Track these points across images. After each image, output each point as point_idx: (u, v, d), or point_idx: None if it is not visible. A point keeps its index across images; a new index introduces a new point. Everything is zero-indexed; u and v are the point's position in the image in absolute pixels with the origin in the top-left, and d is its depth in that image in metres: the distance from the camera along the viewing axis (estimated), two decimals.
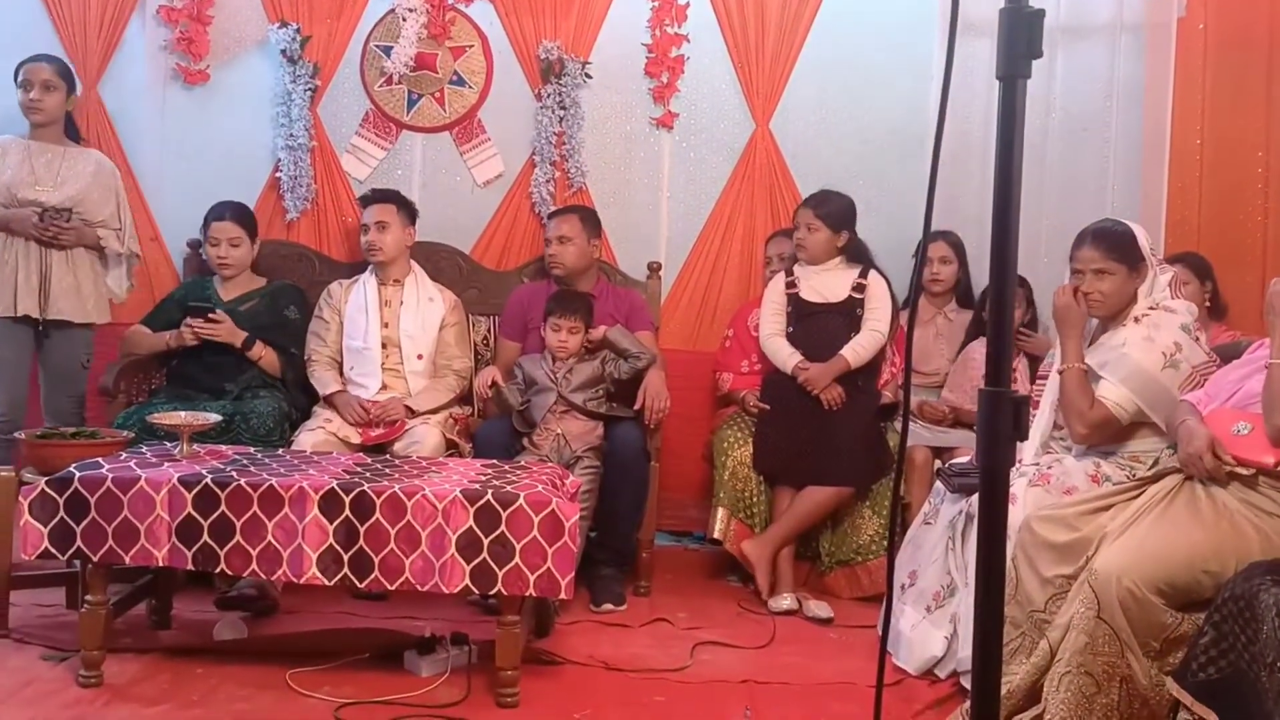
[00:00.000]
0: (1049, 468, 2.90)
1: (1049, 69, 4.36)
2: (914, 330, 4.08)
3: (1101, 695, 2.33)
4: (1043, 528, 2.59)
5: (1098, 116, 4.39)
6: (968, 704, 2.55)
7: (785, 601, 3.60)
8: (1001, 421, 1.25)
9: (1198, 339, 2.91)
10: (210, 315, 3.71)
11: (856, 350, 3.75)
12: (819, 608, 3.56)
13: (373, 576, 2.72)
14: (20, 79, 3.74)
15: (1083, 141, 4.39)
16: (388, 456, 3.34)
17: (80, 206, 3.74)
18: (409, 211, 3.98)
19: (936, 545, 3.11)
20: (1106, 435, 2.89)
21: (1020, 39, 1.32)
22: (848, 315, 3.82)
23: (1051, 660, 2.42)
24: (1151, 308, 2.93)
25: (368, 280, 3.94)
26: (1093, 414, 2.86)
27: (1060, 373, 2.94)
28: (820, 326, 3.83)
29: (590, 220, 4.03)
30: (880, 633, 1.75)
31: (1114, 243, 2.95)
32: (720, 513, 3.80)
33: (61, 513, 2.70)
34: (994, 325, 1.32)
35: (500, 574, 2.70)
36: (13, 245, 3.66)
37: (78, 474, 2.73)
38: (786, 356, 3.81)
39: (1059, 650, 2.39)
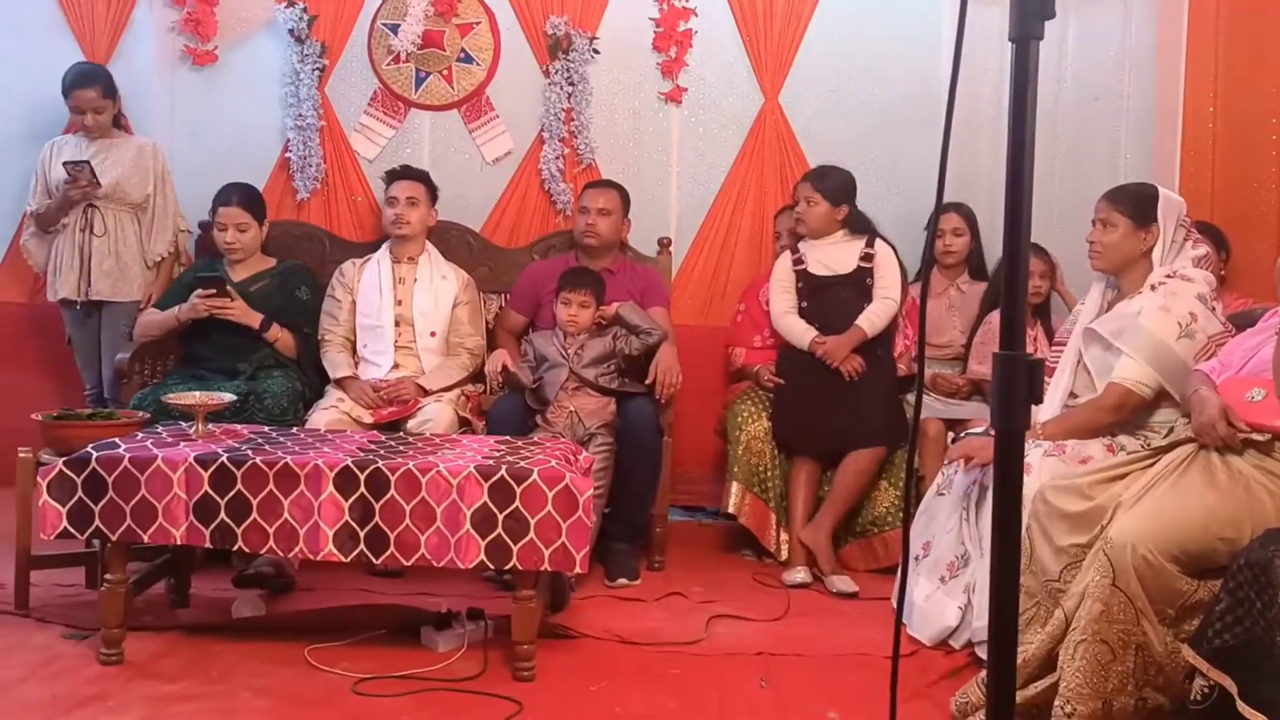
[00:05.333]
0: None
1: (1060, 37, 4.33)
2: (943, 302, 4.09)
3: (1117, 663, 2.32)
4: (1057, 497, 2.58)
5: (1110, 84, 4.36)
6: (983, 674, 2.57)
7: (799, 575, 3.60)
8: (1016, 385, 1.25)
9: (1214, 309, 2.90)
10: (220, 289, 3.71)
11: (872, 319, 3.75)
12: (842, 583, 3.55)
13: (388, 553, 2.74)
14: (70, 101, 3.97)
15: (1095, 110, 4.36)
16: (401, 434, 3.35)
17: (119, 191, 3.98)
18: (434, 193, 4.03)
19: (950, 516, 3.11)
20: (1134, 412, 2.87)
21: None
22: (858, 285, 3.82)
23: (1067, 629, 2.42)
24: (1169, 275, 2.91)
25: (382, 258, 3.96)
26: (1109, 399, 2.84)
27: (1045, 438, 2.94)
28: (832, 299, 3.83)
29: (626, 199, 4.06)
30: (895, 603, 1.75)
31: (1121, 196, 2.95)
32: (735, 487, 3.81)
33: (80, 493, 2.72)
34: (1008, 289, 1.31)
35: (515, 549, 2.70)
36: (63, 234, 3.99)
37: (95, 454, 2.75)
38: (801, 332, 3.81)
39: (1074, 619, 2.39)
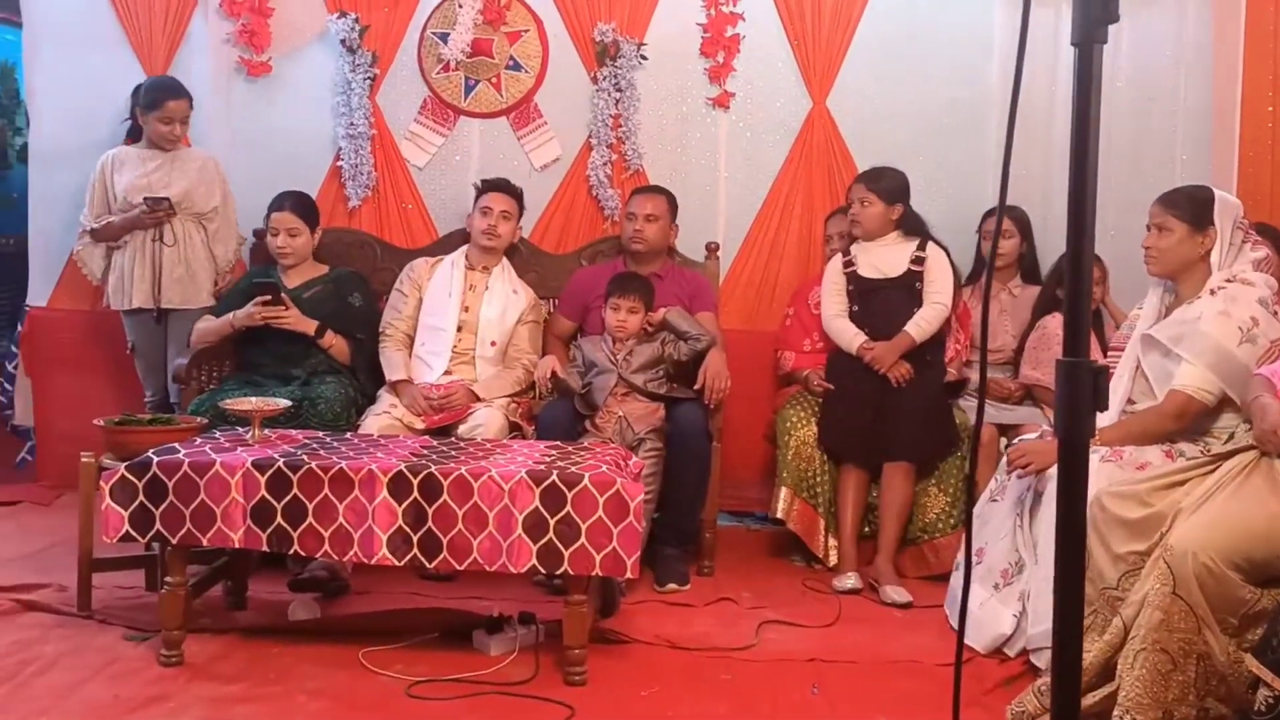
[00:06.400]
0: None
1: (1114, 37, 4.23)
2: (995, 306, 4.06)
3: (1178, 673, 2.29)
4: (1115, 504, 2.55)
5: (1165, 85, 4.30)
6: (1039, 682, 2.55)
7: (849, 581, 3.58)
8: (1081, 392, 1.23)
9: (1275, 312, 2.84)
10: (274, 297, 3.75)
11: (920, 325, 3.72)
12: (896, 593, 3.51)
13: (441, 557, 2.76)
14: (159, 113, 4.03)
15: (1150, 112, 4.30)
16: (453, 439, 3.37)
17: (187, 200, 4.07)
18: (522, 211, 4.09)
19: (1004, 522, 3.08)
20: (1196, 419, 2.81)
21: (1096, 2, 1.29)
22: (908, 289, 3.79)
23: (1125, 637, 2.39)
24: (1229, 279, 2.85)
25: (456, 261, 4.00)
26: (1170, 406, 2.79)
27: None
28: (882, 303, 3.80)
29: (674, 203, 4.07)
30: (959, 611, 1.73)
31: (1176, 200, 2.91)
32: (783, 492, 3.80)
33: (141, 496, 2.78)
34: (1071, 294, 1.30)
35: (567, 554, 2.72)
36: (130, 245, 4.06)
37: (156, 459, 2.80)
38: (851, 337, 3.79)
39: (1133, 627, 2.36)
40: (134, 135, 4.18)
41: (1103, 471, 2.75)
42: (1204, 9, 4.24)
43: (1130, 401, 2.99)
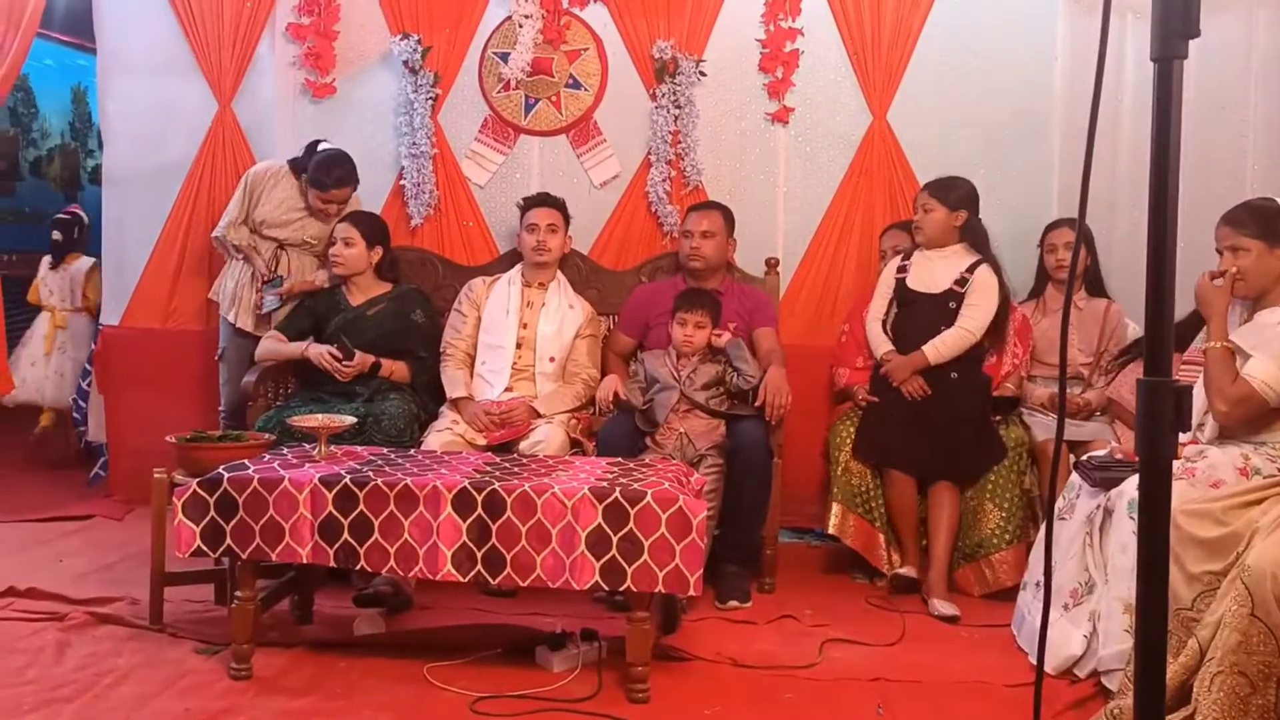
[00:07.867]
0: (1194, 460, 2.79)
1: None
2: (1058, 319, 3.99)
3: (1257, 696, 2.23)
4: (1189, 523, 2.49)
5: (1235, 93, 4.21)
6: (1111, 705, 2.50)
7: (906, 570, 3.62)
8: (1163, 411, 1.21)
9: None
10: (348, 355, 3.79)
11: (938, 347, 3.68)
12: (944, 606, 3.49)
13: (505, 573, 2.77)
14: (322, 194, 4.04)
15: (1219, 120, 4.22)
16: (515, 455, 3.39)
17: (309, 243, 4.18)
18: (568, 220, 4.10)
19: (1073, 541, 3.03)
20: (1250, 414, 2.74)
21: (1175, 17, 1.27)
22: (942, 308, 3.75)
23: (1201, 660, 2.33)
24: None
25: (513, 279, 4.04)
26: (1234, 389, 2.73)
27: (1204, 351, 2.84)
28: (914, 316, 3.78)
29: (730, 219, 4.06)
30: (1039, 636, 1.70)
31: (1242, 218, 2.84)
32: (835, 508, 3.78)
33: (212, 512, 2.83)
34: (1152, 313, 1.28)
35: (629, 571, 2.72)
36: (244, 265, 4.17)
37: (226, 475, 2.85)
38: (879, 344, 3.81)
39: (1210, 649, 2.30)
40: (300, 168, 4.14)
41: (1175, 489, 2.68)
42: (1276, 15, 4.16)
43: (1207, 413, 2.93)
